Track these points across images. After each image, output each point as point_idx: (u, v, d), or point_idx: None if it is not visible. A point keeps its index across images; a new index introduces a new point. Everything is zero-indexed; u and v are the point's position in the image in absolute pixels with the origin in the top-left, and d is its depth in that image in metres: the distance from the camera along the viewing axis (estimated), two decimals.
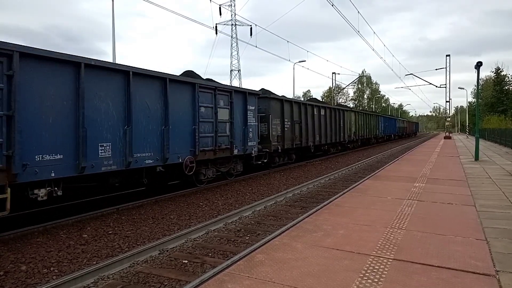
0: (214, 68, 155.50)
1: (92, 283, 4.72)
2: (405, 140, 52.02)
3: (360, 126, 29.98)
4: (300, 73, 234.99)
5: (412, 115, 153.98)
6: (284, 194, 10.30)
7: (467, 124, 65.57)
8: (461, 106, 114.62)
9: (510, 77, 53.96)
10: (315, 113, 19.80)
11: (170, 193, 10.13)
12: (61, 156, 6.64)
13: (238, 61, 58.76)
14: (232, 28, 55.08)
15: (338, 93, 70.23)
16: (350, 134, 26.92)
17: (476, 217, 6.05)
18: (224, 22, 53.53)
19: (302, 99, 62.02)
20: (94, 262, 5.38)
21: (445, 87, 43.86)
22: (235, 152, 11.83)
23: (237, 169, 12.92)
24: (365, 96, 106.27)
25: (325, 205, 7.24)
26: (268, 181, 13.16)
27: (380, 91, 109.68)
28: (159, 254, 5.73)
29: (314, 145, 19.56)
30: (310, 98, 24.14)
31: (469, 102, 68.92)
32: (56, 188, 6.86)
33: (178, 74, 10.55)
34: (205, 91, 10.52)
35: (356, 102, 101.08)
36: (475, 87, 44.08)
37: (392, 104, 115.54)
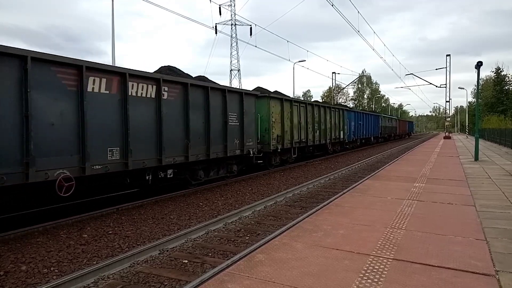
0: (214, 68, 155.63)
1: (92, 283, 4.72)
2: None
3: (298, 127, 17.64)
4: (300, 73, 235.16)
5: (412, 115, 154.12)
6: (284, 194, 10.30)
7: (467, 124, 65.59)
8: (461, 106, 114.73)
9: (510, 77, 54.02)
10: (148, 94, 8.64)
11: (170, 193, 10.13)
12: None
13: (238, 61, 58.78)
14: (232, 28, 55.11)
15: (338, 93, 70.21)
16: (269, 140, 14.71)
17: (476, 217, 6.06)
18: (224, 22, 53.56)
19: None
20: (94, 262, 5.39)
21: (445, 87, 43.89)
22: None
23: None
24: (365, 96, 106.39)
25: (325, 205, 7.25)
26: (268, 181, 13.16)
27: (380, 91, 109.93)
28: (159, 254, 5.73)
29: (139, 168, 8.42)
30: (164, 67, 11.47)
31: (469, 102, 69.03)
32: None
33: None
34: None
35: (356, 102, 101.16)
36: (475, 87, 44.00)
37: (392, 104, 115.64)
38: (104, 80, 7.55)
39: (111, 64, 12.47)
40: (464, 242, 4.76)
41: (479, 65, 16.41)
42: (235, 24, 54.53)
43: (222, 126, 11.46)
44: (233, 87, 13.42)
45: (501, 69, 54.53)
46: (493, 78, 56.87)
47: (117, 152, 7.86)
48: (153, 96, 8.77)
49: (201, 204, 9.32)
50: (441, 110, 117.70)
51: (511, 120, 41.67)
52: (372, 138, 35.68)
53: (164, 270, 5.10)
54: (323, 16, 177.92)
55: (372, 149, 30.69)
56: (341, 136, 24.74)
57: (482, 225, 5.56)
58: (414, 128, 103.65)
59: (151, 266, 5.25)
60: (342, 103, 74.30)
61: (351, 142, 28.26)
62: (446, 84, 43.77)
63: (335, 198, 7.98)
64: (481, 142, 28.94)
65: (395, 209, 6.65)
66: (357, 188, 9.06)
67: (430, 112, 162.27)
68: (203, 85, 10.77)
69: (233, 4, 53.23)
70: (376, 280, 3.59)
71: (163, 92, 8.98)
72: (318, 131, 20.35)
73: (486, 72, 67.12)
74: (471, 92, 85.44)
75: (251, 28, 44.24)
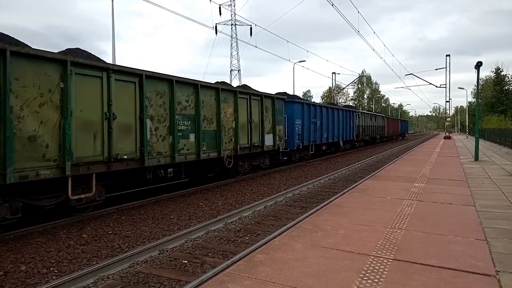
0: (214, 68, 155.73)
1: (92, 283, 4.72)
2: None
3: (104, 126, 7.53)
4: (300, 73, 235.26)
5: (412, 115, 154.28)
6: (284, 194, 10.29)
7: (467, 124, 65.59)
8: (461, 106, 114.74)
9: (510, 77, 54.08)
10: None
11: (170, 193, 10.12)
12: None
13: (238, 61, 58.80)
14: (232, 28, 55.09)
15: (338, 93, 70.22)
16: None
17: (476, 217, 6.05)
18: (224, 22, 53.49)
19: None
20: (94, 262, 5.38)
21: (445, 87, 43.90)
22: None
23: None
24: (365, 96, 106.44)
25: (325, 205, 7.24)
26: (268, 181, 13.16)
27: (380, 91, 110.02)
28: (159, 254, 5.73)
29: None
30: None
31: (469, 102, 69.04)
32: None
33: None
34: None
35: (356, 102, 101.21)
36: (475, 87, 44.07)
37: (392, 104, 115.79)
38: None
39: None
40: (464, 242, 4.75)
41: (478, 65, 16.41)
42: (235, 24, 54.51)
43: None
44: None
45: (501, 69, 54.65)
46: (493, 78, 56.91)
47: None
48: None
49: (201, 204, 9.31)
50: (441, 110, 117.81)
51: (511, 120, 41.67)
52: (341, 143, 24.78)
53: (163, 270, 5.09)
54: (323, 16, 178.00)
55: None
56: (269, 143, 14.35)
57: (482, 225, 5.55)
58: (413, 128, 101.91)
59: (150, 266, 5.24)
60: (342, 103, 73.78)
61: (297, 150, 18.08)
62: (446, 84, 43.80)
63: (335, 198, 7.98)
64: (481, 142, 28.94)
65: (395, 209, 6.65)
66: (357, 188, 9.05)
67: (430, 112, 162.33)
68: None
69: (233, 4, 53.19)
70: (376, 280, 3.59)
71: None
72: (195, 136, 10.25)
73: (486, 72, 67.22)
74: (471, 92, 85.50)
75: (251, 28, 44.29)
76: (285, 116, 16.23)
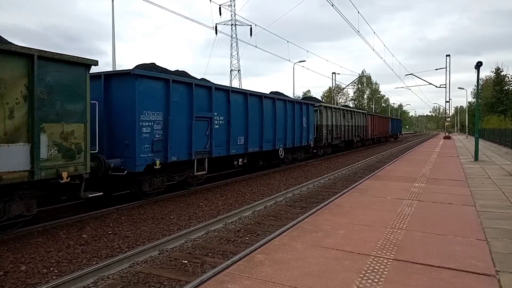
0: (214, 68, 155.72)
1: (92, 283, 4.72)
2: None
3: None
4: (300, 73, 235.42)
5: (412, 115, 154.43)
6: (284, 194, 10.29)
7: (466, 124, 65.59)
8: (461, 106, 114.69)
9: (510, 77, 54.12)
10: None
11: (170, 193, 10.12)
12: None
13: (238, 61, 58.82)
14: (232, 28, 55.12)
15: (338, 93, 70.23)
16: None
17: (476, 217, 6.05)
18: (224, 22, 53.51)
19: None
20: (94, 262, 5.38)
21: (445, 87, 43.90)
22: None
23: None
24: (365, 96, 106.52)
25: (325, 205, 7.24)
26: (268, 181, 13.16)
27: (380, 91, 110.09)
28: (159, 254, 5.72)
29: None
30: None
31: (468, 102, 69.03)
32: None
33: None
34: None
35: (356, 102, 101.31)
36: (475, 87, 44.11)
37: (392, 104, 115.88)
38: None
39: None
40: (465, 242, 4.75)
41: (478, 65, 16.42)
42: (235, 24, 54.55)
43: None
44: None
45: (501, 69, 54.69)
46: (493, 78, 56.93)
47: None
48: None
49: (201, 204, 9.31)
50: (441, 110, 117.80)
51: (511, 120, 41.68)
52: (281, 153, 15.93)
53: (163, 270, 5.09)
54: (323, 16, 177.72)
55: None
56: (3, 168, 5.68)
57: (482, 225, 5.55)
58: (412, 128, 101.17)
59: (150, 266, 5.24)
60: (343, 103, 73.58)
61: (155, 172, 9.14)
62: (446, 84, 43.81)
63: (335, 198, 7.98)
64: (481, 142, 28.93)
65: (395, 209, 6.65)
66: (357, 188, 9.05)
67: (430, 112, 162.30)
68: None
69: (233, 4, 53.24)
70: (376, 280, 3.59)
71: None
72: None
73: (486, 72, 67.14)
74: (471, 92, 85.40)
75: (251, 28, 44.33)
76: (95, 103, 7.84)
